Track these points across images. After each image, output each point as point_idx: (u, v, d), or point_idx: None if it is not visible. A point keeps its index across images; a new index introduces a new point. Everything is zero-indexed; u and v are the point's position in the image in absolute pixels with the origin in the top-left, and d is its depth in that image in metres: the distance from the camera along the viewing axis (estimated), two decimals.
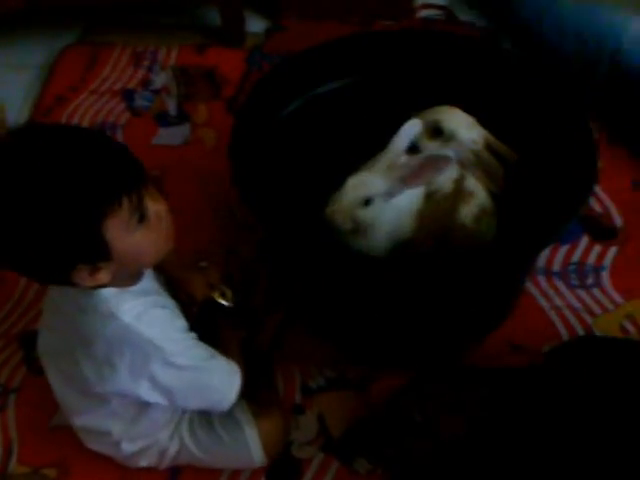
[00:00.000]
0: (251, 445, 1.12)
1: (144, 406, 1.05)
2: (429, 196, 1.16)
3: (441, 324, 1.20)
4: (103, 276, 0.90)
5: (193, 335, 1.02)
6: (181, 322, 1.02)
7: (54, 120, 1.67)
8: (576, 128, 1.14)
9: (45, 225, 0.83)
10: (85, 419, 1.10)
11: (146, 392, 0.99)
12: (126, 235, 0.88)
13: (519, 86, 1.22)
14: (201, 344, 1.03)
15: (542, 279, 1.38)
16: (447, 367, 1.21)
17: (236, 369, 1.07)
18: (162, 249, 0.97)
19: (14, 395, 1.28)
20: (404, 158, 1.10)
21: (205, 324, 1.12)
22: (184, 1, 1.83)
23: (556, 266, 1.40)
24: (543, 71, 1.23)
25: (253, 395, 1.13)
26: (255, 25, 1.86)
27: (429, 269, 1.07)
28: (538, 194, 1.14)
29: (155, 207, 0.92)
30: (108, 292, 0.93)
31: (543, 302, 1.35)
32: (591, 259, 1.41)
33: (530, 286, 1.36)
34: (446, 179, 1.16)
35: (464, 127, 1.15)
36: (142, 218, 0.89)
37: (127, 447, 1.12)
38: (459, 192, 1.17)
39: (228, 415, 1.11)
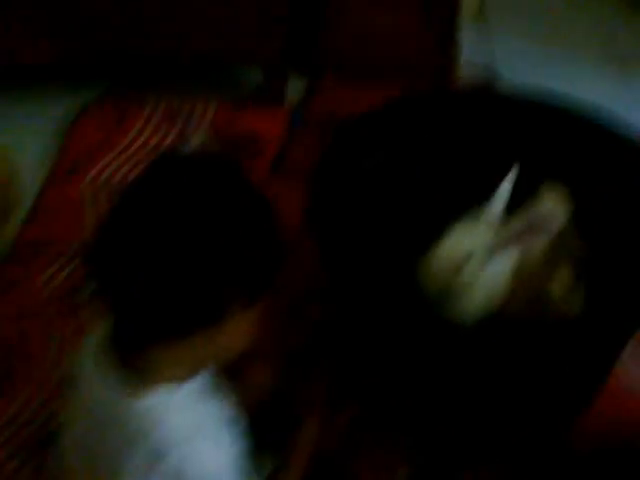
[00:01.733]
0: None
1: None
2: (522, 263, 1.10)
3: (535, 399, 1.08)
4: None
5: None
6: (236, 450, 0.82)
7: (77, 180, 1.56)
8: None
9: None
10: None
11: None
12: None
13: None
14: None
15: None
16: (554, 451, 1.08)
17: None
18: (247, 341, 0.82)
19: None
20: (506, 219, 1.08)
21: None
22: (225, 58, 1.75)
23: None
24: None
25: None
26: (292, 84, 1.79)
27: (524, 338, 0.98)
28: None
29: None
30: (156, 398, 0.76)
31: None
32: None
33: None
34: (539, 247, 1.12)
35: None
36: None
37: None
38: (552, 261, 1.12)
39: None
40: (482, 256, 1.04)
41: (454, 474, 1.11)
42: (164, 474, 0.76)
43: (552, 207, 1.12)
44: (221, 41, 1.63)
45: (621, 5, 2.03)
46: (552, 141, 1.20)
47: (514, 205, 1.12)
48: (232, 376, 0.93)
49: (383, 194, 1.16)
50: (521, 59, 1.87)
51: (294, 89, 1.78)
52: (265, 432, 0.95)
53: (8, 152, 1.41)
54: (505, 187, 1.10)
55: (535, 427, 1.12)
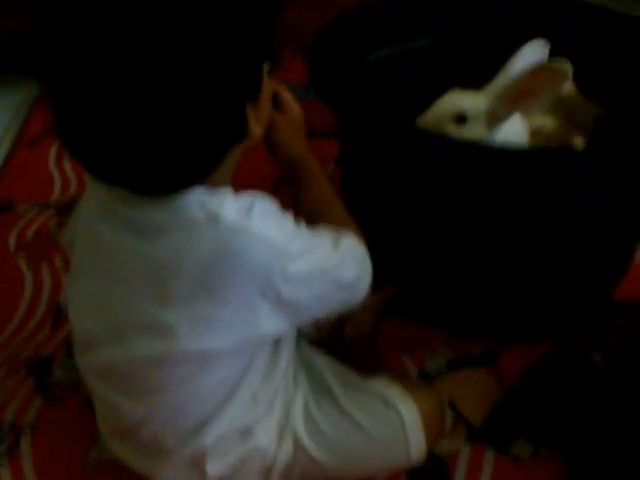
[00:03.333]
0: (410, 431, 0.81)
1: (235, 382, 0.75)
2: (536, 133, 1.06)
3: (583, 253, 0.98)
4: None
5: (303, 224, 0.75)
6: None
7: (40, 153, 1.47)
8: None
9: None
10: (143, 424, 0.77)
11: (266, 317, 0.70)
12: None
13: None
14: (319, 230, 0.75)
15: None
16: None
17: (361, 240, 0.79)
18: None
19: (28, 434, 0.95)
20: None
21: None
22: None
23: None
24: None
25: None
26: None
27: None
28: None
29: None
30: (197, 193, 0.67)
31: None
32: None
33: None
34: (550, 118, 1.09)
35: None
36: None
37: (213, 468, 0.78)
38: (568, 128, 1.08)
39: (363, 391, 0.84)
40: (478, 116, 0.96)
41: (492, 355, 1.02)
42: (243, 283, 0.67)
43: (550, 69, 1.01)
44: None
45: None
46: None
47: None
48: None
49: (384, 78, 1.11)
50: None
51: None
52: None
53: None
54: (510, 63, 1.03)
55: (573, 297, 1.04)
